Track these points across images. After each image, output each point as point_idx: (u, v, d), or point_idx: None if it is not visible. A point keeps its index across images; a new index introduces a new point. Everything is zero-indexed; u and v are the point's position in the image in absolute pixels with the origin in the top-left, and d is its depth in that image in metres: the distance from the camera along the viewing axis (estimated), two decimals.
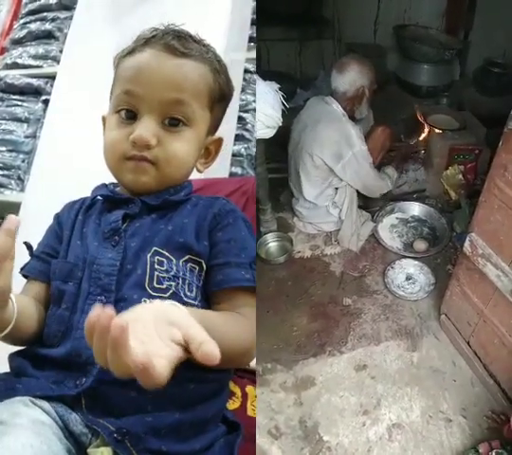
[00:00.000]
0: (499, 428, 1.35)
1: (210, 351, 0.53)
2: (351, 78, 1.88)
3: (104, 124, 0.87)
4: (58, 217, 0.89)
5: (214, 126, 0.88)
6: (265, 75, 1.76)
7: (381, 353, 1.66)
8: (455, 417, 1.47)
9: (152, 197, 0.81)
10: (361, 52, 2.80)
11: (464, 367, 1.59)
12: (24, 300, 0.77)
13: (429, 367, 1.61)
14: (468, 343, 1.57)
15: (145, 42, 0.80)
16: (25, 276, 0.85)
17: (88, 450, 0.65)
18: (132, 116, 0.79)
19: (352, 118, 1.95)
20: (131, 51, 0.82)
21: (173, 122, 0.79)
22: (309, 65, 3.04)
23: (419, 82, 2.77)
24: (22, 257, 0.83)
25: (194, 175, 0.90)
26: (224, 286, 0.77)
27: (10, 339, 0.74)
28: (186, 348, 0.54)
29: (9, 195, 1.98)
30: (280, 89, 1.67)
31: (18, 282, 0.84)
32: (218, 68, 0.84)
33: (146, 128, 0.77)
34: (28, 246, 0.84)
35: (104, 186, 0.89)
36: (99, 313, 0.52)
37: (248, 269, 0.78)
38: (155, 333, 0.54)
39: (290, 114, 1.78)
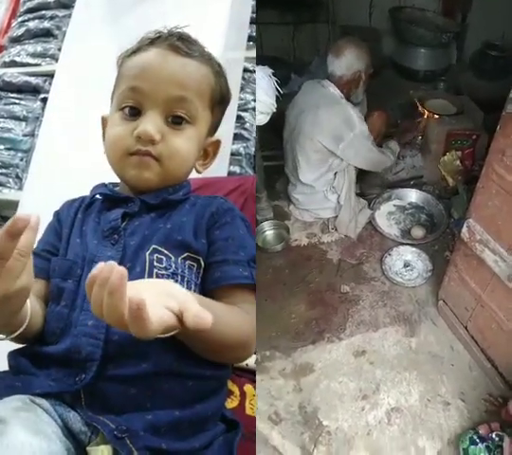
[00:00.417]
0: (497, 411, 1.37)
1: (203, 315, 0.54)
2: (347, 62, 1.86)
3: (103, 124, 0.88)
4: (57, 214, 0.90)
5: (213, 128, 0.90)
6: (259, 60, 1.74)
7: (379, 338, 1.67)
8: (453, 400, 1.48)
9: (151, 196, 0.82)
10: (356, 36, 2.78)
11: (462, 351, 1.61)
12: (31, 298, 0.77)
13: (427, 352, 1.62)
14: (466, 328, 1.58)
15: (150, 42, 0.83)
16: None
17: (88, 448, 0.65)
18: (136, 113, 0.80)
19: (348, 101, 1.93)
20: (135, 51, 0.84)
21: (176, 120, 0.80)
22: (303, 50, 3.00)
23: (416, 67, 2.75)
24: None
25: (193, 175, 0.91)
26: (221, 284, 0.77)
27: (19, 339, 0.73)
28: (180, 320, 0.55)
29: (8, 194, 1.98)
30: (273, 74, 1.65)
31: None
32: (219, 71, 0.87)
33: (151, 123, 0.78)
34: None
35: (103, 185, 0.89)
36: (102, 266, 0.53)
37: (246, 267, 0.79)
38: (153, 298, 0.55)
39: (284, 100, 1.76)
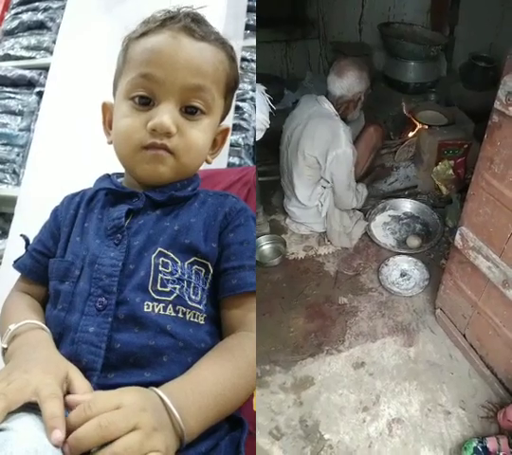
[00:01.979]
0: (494, 416, 1.37)
1: None
2: (349, 83, 1.87)
3: (104, 111, 0.83)
4: (56, 211, 0.86)
5: (224, 115, 0.85)
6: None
7: (378, 349, 1.66)
8: (454, 409, 1.47)
9: (157, 192, 0.78)
10: (347, 51, 2.83)
11: (460, 359, 1.60)
12: (37, 313, 0.77)
13: (426, 361, 1.61)
14: (464, 336, 1.58)
15: (161, 23, 0.76)
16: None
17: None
18: (147, 102, 0.74)
19: (344, 119, 1.94)
20: (145, 32, 0.76)
21: (191, 110, 0.75)
22: (296, 66, 3.06)
23: (406, 80, 2.79)
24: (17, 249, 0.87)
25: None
26: (240, 291, 0.75)
27: None
28: None
29: (5, 190, 1.93)
30: (267, 91, 1.68)
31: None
32: (232, 55, 0.81)
33: (167, 115, 0.72)
34: (25, 239, 0.85)
35: (107, 176, 0.85)
36: None
37: (255, 272, 0.76)
38: None
39: (278, 116, 1.78)
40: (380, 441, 1.42)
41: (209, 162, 0.86)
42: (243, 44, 1.86)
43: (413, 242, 2.04)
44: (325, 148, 1.87)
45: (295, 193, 2.03)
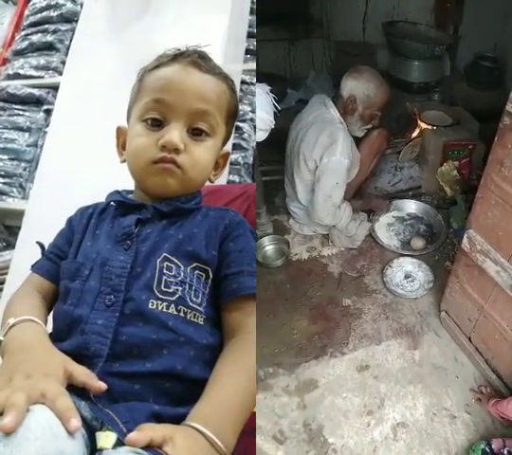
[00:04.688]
0: (484, 400, 1.41)
1: None
2: (349, 85, 1.84)
3: (118, 135, 0.92)
4: (70, 221, 0.95)
5: (226, 140, 0.94)
6: (256, 77, 1.75)
7: (383, 352, 1.65)
8: (459, 413, 1.47)
9: (163, 204, 0.86)
10: (351, 50, 2.82)
11: (466, 363, 1.59)
12: (40, 311, 0.83)
13: (431, 364, 1.61)
14: (470, 339, 1.57)
15: (172, 58, 0.87)
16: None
17: (96, 434, 0.67)
18: (158, 124, 0.84)
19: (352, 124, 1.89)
20: (158, 66, 0.88)
21: (196, 132, 0.85)
22: (299, 65, 3.04)
23: (410, 79, 2.78)
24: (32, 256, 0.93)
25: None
26: (240, 294, 0.81)
27: None
28: None
29: (11, 203, 2.02)
30: (271, 91, 1.66)
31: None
32: (233, 87, 0.92)
33: (176, 133, 0.82)
34: (41, 246, 0.93)
35: (117, 192, 0.93)
36: None
37: (255, 277, 0.83)
38: None
39: (282, 116, 1.77)
40: (385, 445, 1.41)
41: (212, 181, 0.95)
42: (243, 67, 1.92)
43: (418, 243, 2.03)
44: (321, 154, 1.83)
45: (297, 195, 2.02)
